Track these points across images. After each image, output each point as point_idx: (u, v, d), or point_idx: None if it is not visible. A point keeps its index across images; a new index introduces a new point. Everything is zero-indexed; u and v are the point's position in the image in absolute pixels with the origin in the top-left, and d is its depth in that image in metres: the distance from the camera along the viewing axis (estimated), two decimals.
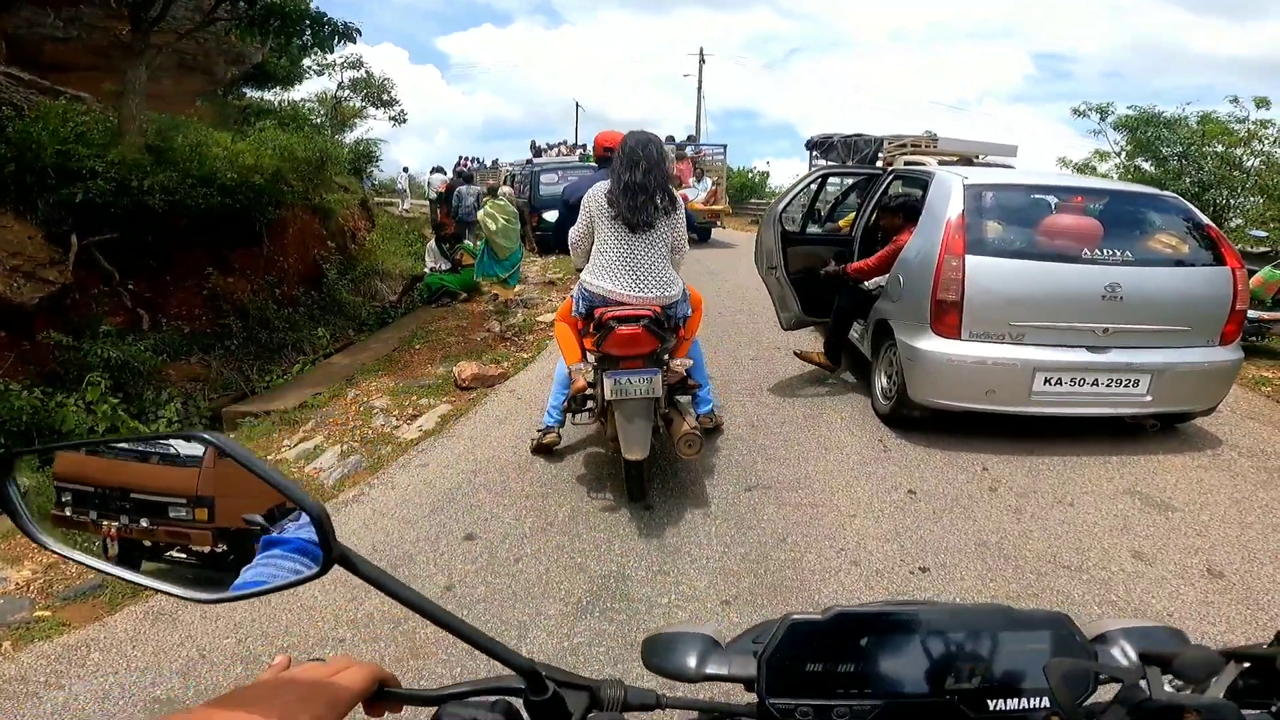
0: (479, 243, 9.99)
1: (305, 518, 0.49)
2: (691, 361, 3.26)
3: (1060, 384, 3.62)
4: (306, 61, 18.94)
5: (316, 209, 9.29)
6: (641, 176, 2.96)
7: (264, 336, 7.08)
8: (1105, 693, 0.54)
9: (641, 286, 3.00)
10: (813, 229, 6.36)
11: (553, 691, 0.53)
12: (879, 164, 6.67)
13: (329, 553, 0.49)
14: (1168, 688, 0.49)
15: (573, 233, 3.27)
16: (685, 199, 13.08)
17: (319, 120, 22.29)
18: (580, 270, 3.28)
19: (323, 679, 0.49)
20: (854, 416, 4.44)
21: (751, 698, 0.56)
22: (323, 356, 6.54)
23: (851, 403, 4.68)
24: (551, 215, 9.62)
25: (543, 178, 13.28)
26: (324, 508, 0.48)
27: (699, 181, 13.16)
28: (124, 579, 0.54)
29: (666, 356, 3.08)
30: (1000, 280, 3.50)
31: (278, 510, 0.53)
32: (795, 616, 0.55)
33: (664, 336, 2.99)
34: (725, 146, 13.97)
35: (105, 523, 0.58)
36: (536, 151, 23.18)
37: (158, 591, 0.54)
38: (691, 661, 0.59)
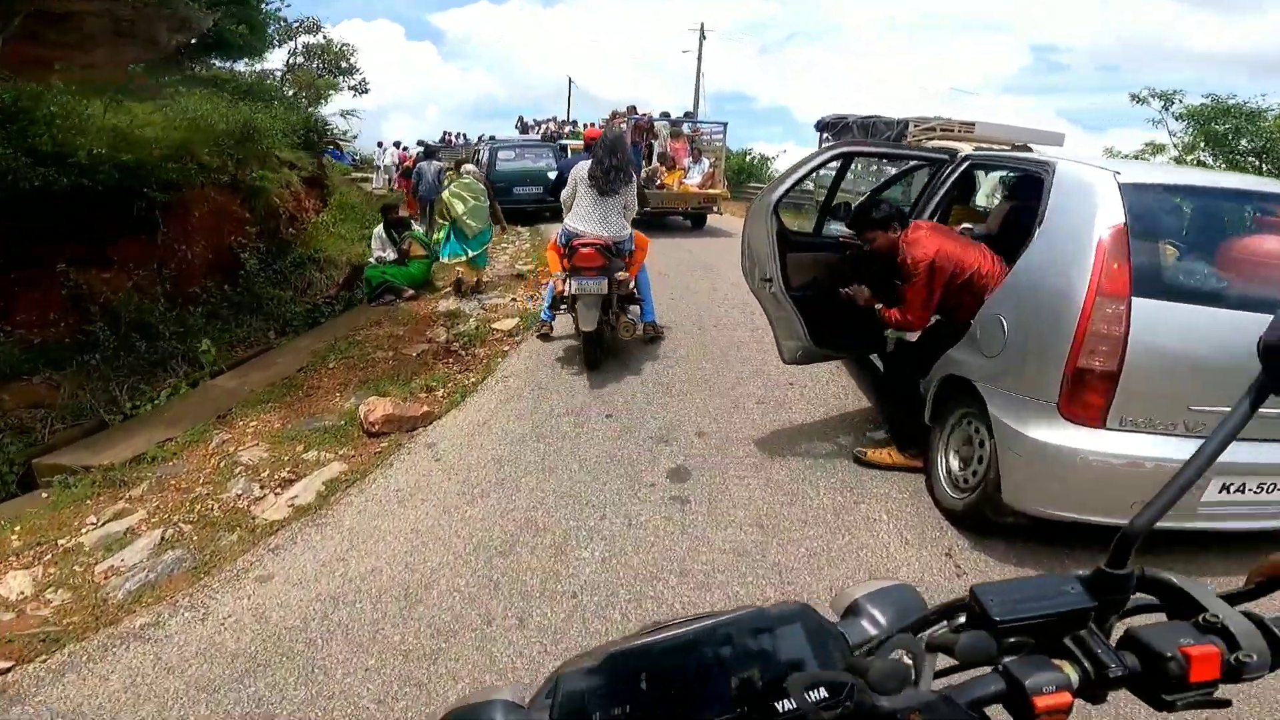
0: (438, 230, 8.67)
1: None
2: (634, 282, 4.85)
3: (1244, 491, 2.32)
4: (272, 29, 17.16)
5: (239, 188, 7.81)
6: (613, 162, 4.60)
7: (143, 346, 5.65)
8: None
9: (601, 228, 4.59)
10: (835, 227, 4.82)
11: None
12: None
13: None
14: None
15: (564, 193, 4.87)
16: (681, 182, 11.74)
17: (291, 92, 20.64)
18: (565, 216, 4.81)
19: None
20: (905, 506, 3.12)
21: None
22: (207, 375, 5.13)
23: (897, 480, 3.34)
24: (522, 189, 12.14)
25: (500, 154, 13.29)
26: None
27: (695, 163, 11.74)
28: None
29: (618, 276, 4.51)
30: (1182, 338, 2.17)
31: None
32: (566, 670, 0.55)
33: (611, 259, 4.51)
34: (725, 125, 11.93)
35: None
36: (524, 128, 21.88)
37: None
38: None
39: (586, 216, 4.59)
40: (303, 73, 21.43)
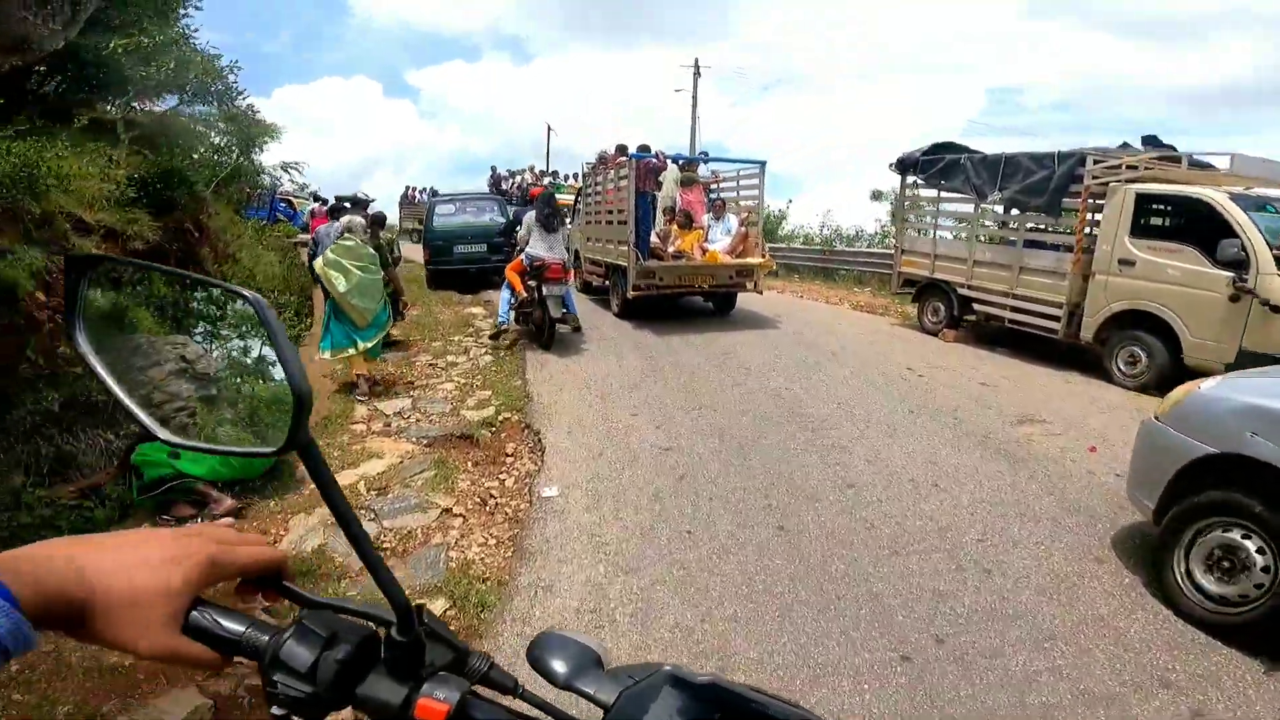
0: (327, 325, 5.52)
1: None
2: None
3: None
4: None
5: None
6: (550, 210, 7.18)
7: None
8: None
9: (554, 254, 7.04)
10: None
11: (416, 635, 0.53)
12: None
13: (295, 434, 0.50)
14: None
15: (521, 234, 7.60)
16: (703, 248, 8.54)
17: (220, 139, 17.49)
18: (523, 249, 7.22)
19: (221, 541, 0.51)
20: None
21: None
22: None
23: None
24: (464, 248, 11.36)
25: (439, 209, 12.36)
26: (310, 394, 0.49)
27: (717, 219, 8.54)
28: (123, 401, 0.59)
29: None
30: None
31: None
32: (676, 671, 0.57)
33: (565, 274, 7.12)
34: (763, 166, 8.37)
35: None
36: (496, 180, 19.20)
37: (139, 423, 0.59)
38: (565, 668, 0.60)
39: (544, 247, 7.05)
40: (261, 127, 18.21)
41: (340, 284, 5.64)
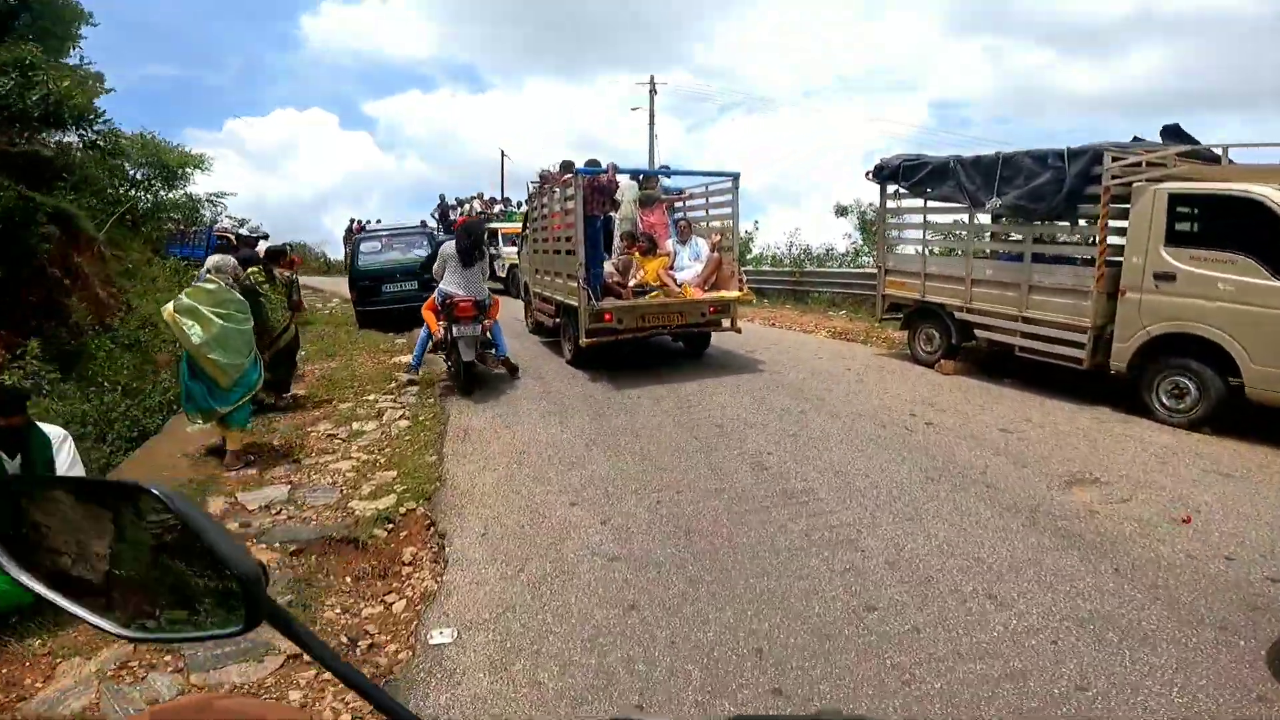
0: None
1: None
2: (491, 329, 6.63)
3: None
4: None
5: None
6: (469, 243, 6.55)
7: None
8: None
9: (469, 291, 6.44)
10: None
11: None
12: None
13: (255, 611, 0.50)
14: None
15: (436, 267, 6.77)
16: (670, 276, 7.40)
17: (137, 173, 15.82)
18: (439, 283, 6.61)
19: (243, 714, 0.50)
20: None
21: None
22: None
23: None
24: (393, 287, 10.43)
25: (364, 246, 11.48)
26: (256, 572, 0.48)
27: (683, 243, 7.47)
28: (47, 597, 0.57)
29: (486, 322, 6.48)
30: None
31: None
32: None
33: (479, 312, 6.32)
34: (736, 178, 7.19)
35: None
36: (444, 210, 18.19)
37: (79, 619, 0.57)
38: None
39: (457, 282, 6.47)
40: (179, 155, 16.44)
41: (195, 335, 4.49)
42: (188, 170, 16.37)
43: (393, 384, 7.00)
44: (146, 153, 15.21)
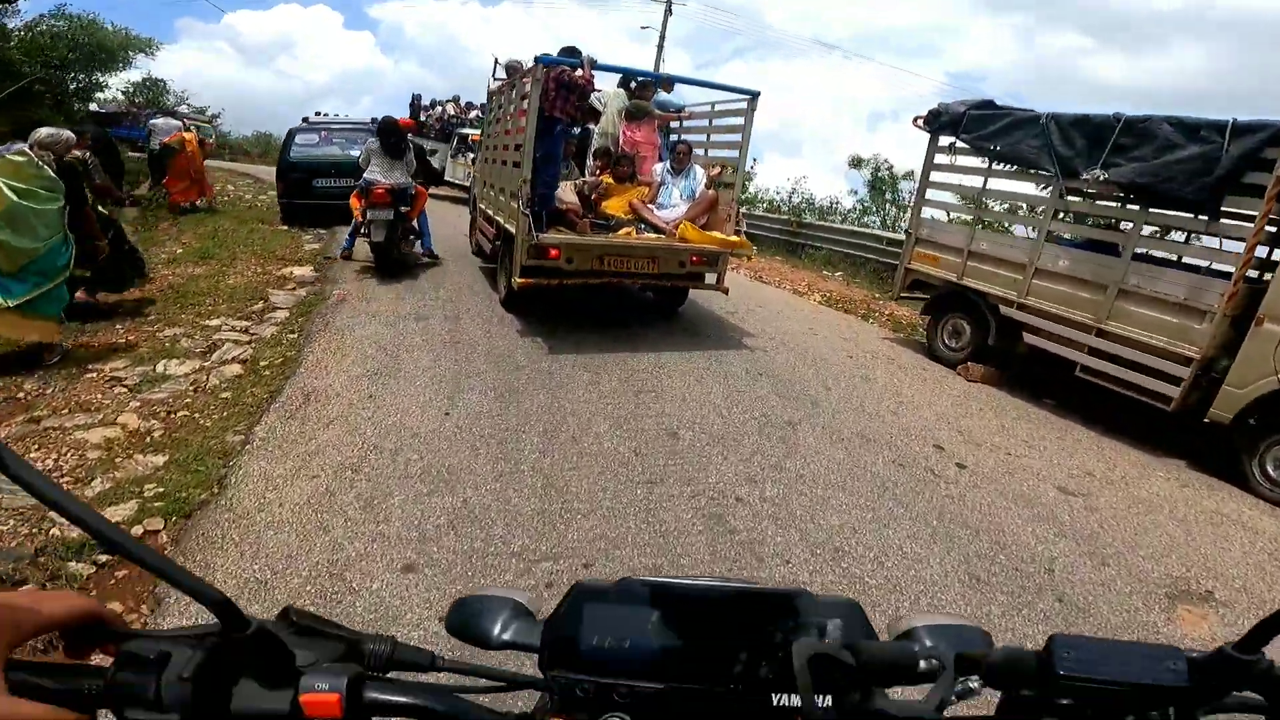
0: None
1: None
2: (418, 221, 7.24)
3: None
4: None
5: None
6: (392, 140, 6.78)
7: None
8: None
9: (387, 179, 6.59)
10: None
11: (261, 629, 0.45)
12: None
13: None
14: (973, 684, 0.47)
15: (361, 159, 6.94)
16: (649, 212, 5.24)
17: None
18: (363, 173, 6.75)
19: (9, 604, 0.45)
20: None
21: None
22: None
23: None
24: (325, 182, 9.24)
25: (298, 139, 9.99)
26: None
27: (678, 174, 5.74)
28: None
29: (403, 209, 6.68)
30: None
31: None
32: (583, 582, 0.55)
33: (394, 199, 6.47)
34: (755, 97, 5.25)
35: None
36: (416, 110, 15.83)
37: None
38: (493, 627, 0.59)
39: (379, 171, 6.65)
40: (108, 34, 15.47)
41: None
42: (130, 54, 16.33)
43: (262, 304, 5.32)
44: (85, 34, 14.71)
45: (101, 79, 16.89)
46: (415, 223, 7.20)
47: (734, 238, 5.19)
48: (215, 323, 4.84)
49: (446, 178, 14.00)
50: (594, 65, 5.13)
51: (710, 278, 5.61)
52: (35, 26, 15.14)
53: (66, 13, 15.64)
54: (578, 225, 5.07)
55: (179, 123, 10.94)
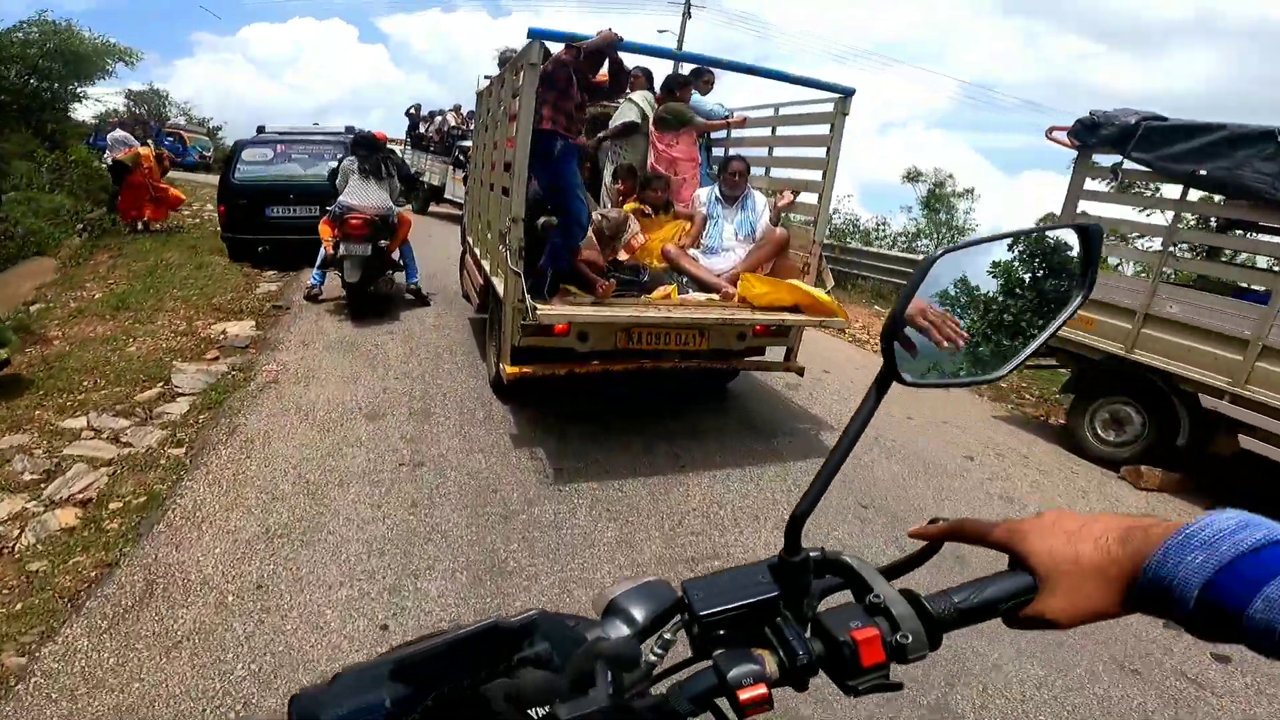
0: None
1: None
2: (402, 250, 6.03)
3: None
4: None
5: None
6: (377, 156, 5.76)
7: None
8: None
9: (364, 204, 5.48)
10: None
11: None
12: None
13: None
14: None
15: (339, 180, 5.81)
16: (691, 261, 3.68)
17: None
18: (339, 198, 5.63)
19: None
20: None
21: None
22: None
23: None
24: (280, 211, 7.20)
25: (245, 154, 7.71)
26: None
27: (732, 204, 4.21)
28: None
29: (383, 242, 5.58)
30: None
31: None
32: (302, 695, 0.48)
33: (371, 230, 5.41)
34: (847, 97, 3.62)
35: None
36: (414, 121, 14.61)
37: None
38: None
39: (357, 195, 5.52)
40: (86, 43, 14.49)
41: None
42: (108, 62, 14.96)
43: (158, 387, 3.85)
44: (57, 41, 13.62)
45: (79, 89, 15.78)
46: (398, 254, 6.06)
47: (822, 295, 3.61)
48: (76, 424, 3.37)
49: (446, 195, 12.71)
50: (618, 41, 3.40)
51: (773, 351, 4.07)
52: (12, 33, 14.17)
53: (45, 19, 14.71)
54: (597, 286, 3.54)
55: (127, 134, 9.62)
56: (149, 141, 10.09)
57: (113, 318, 5.09)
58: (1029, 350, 0.63)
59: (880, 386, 0.55)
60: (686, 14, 20.41)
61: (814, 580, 0.54)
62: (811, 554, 0.54)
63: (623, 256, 4.08)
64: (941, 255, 0.56)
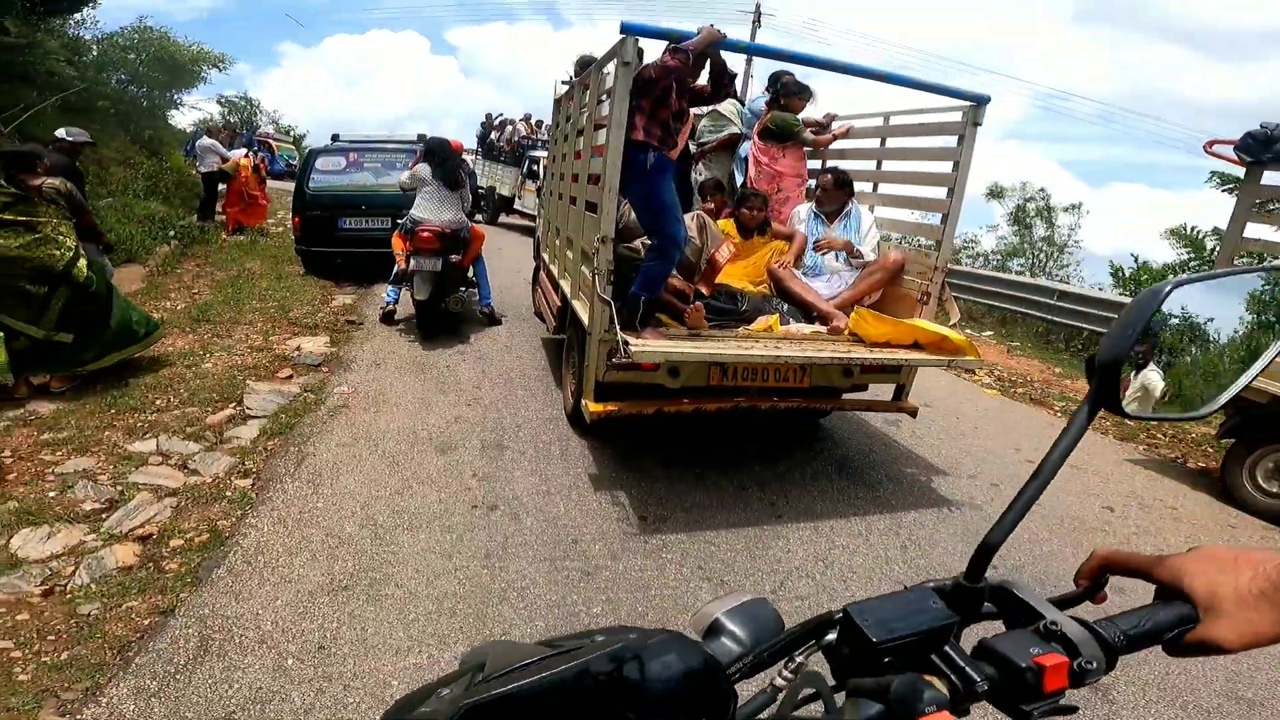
0: None
1: None
2: (475, 268, 5.93)
3: None
4: None
5: None
6: (447, 167, 5.46)
7: None
8: None
9: (436, 217, 5.31)
10: None
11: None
12: None
13: None
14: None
15: (407, 189, 5.65)
16: (797, 280, 3.34)
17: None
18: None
19: None
20: None
21: None
22: None
23: None
24: (353, 222, 7.13)
25: (319, 163, 7.54)
26: None
27: (837, 220, 3.83)
28: None
29: (454, 258, 5.41)
30: None
31: None
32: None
33: (443, 245, 5.26)
34: (980, 105, 3.18)
35: None
36: (488, 128, 14.84)
37: None
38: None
39: (429, 207, 5.36)
40: (185, 49, 15.40)
41: None
42: (201, 68, 16.21)
43: (230, 408, 3.76)
44: (154, 49, 14.46)
45: (177, 96, 16.71)
46: (471, 270, 5.92)
47: (955, 335, 3.18)
48: (145, 447, 3.29)
49: (516, 206, 12.75)
50: (720, 38, 3.06)
51: (880, 389, 3.65)
52: (114, 39, 14.95)
53: (145, 26, 15.50)
54: (686, 314, 3.23)
55: (214, 142, 9.98)
56: (252, 150, 10.49)
57: (193, 330, 5.13)
58: (1238, 386, 0.61)
59: (1090, 413, 0.55)
60: (756, 22, 19.96)
61: None
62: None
63: (715, 264, 3.72)
64: (1172, 289, 0.55)
